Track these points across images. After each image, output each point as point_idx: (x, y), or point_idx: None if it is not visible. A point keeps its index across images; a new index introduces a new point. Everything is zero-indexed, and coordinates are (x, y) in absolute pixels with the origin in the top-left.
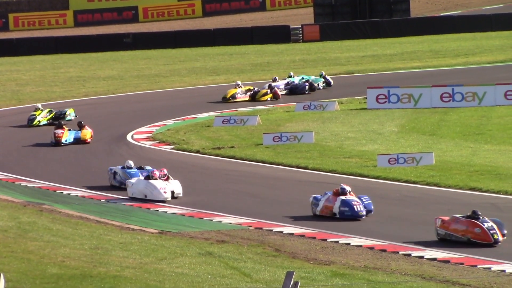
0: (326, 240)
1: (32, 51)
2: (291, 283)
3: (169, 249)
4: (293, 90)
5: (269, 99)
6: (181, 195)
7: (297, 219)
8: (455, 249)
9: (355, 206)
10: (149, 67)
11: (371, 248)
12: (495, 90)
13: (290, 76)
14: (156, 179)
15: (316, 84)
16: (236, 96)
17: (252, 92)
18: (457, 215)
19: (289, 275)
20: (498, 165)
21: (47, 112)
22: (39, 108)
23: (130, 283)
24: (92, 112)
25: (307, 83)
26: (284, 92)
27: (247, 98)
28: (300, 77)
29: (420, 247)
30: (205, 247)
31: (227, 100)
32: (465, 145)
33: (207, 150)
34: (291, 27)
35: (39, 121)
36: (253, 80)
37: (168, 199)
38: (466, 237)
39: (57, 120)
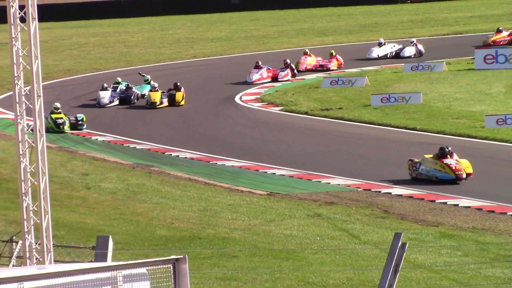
0: (434, 201)
1: (140, 12)
2: (399, 244)
3: (278, 210)
4: (124, 99)
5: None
6: None
7: (405, 181)
8: None
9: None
10: (257, 28)
11: (479, 209)
12: None
13: (117, 82)
14: None
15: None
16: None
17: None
18: None
19: (397, 236)
20: None
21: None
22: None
23: (239, 244)
24: (200, 73)
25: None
26: (117, 102)
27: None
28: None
29: None
30: (313, 208)
31: (154, 106)
32: None
33: (315, 112)
34: None
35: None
36: (361, 41)
37: None
38: None
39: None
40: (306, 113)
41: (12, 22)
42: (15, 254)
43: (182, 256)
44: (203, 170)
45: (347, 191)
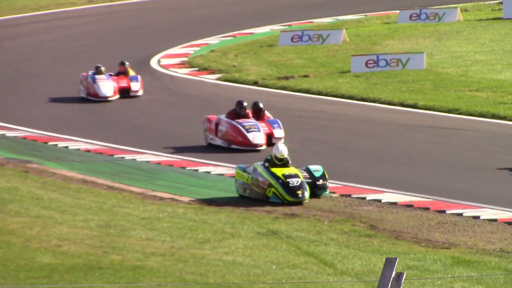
0: (444, 212)
1: None
2: (393, 275)
3: (215, 227)
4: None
5: None
6: None
7: (401, 182)
8: None
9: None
10: None
11: (511, 223)
12: None
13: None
14: None
15: None
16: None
17: None
18: None
19: (389, 263)
20: None
21: None
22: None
23: (157, 276)
24: (100, 25)
25: None
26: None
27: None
28: None
29: None
30: (267, 223)
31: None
32: None
33: (269, 81)
34: None
35: None
36: None
37: None
38: None
39: None
40: (255, 83)
41: None
42: None
43: None
44: (104, 167)
45: (316, 197)
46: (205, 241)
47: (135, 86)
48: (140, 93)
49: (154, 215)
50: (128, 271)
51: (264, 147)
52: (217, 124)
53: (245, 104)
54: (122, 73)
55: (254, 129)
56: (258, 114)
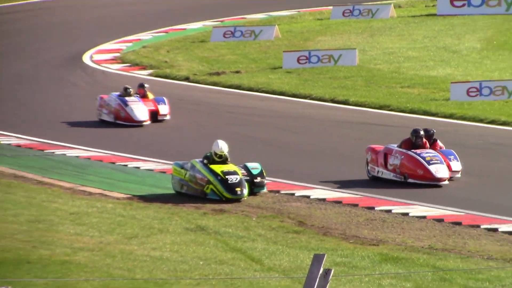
0: (373, 208)
1: None
2: (321, 272)
3: (143, 222)
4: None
5: None
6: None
7: (330, 178)
8: None
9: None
10: None
11: (439, 219)
12: None
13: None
14: None
15: None
16: None
17: None
18: None
19: (317, 259)
20: None
21: None
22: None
23: (84, 271)
24: (32, 22)
25: None
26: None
27: None
28: None
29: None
30: (195, 219)
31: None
32: None
33: (200, 77)
34: None
35: None
36: None
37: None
38: None
39: None
40: (187, 78)
41: None
42: None
43: None
44: (34, 162)
45: (253, 194)
46: (133, 236)
47: (164, 109)
48: (168, 117)
49: (83, 210)
50: (56, 266)
51: (446, 182)
52: (386, 155)
53: (421, 132)
54: (141, 96)
55: (436, 161)
56: (430, 143)
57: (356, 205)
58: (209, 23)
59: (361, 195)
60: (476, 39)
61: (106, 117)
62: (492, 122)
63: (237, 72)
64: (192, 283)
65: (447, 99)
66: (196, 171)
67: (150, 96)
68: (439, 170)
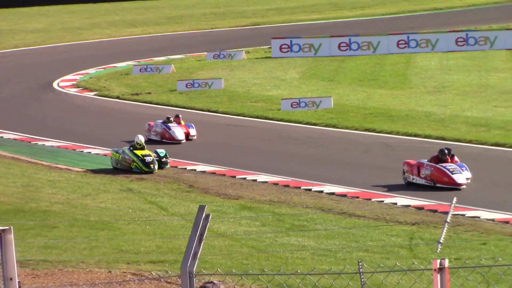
0: (235, 177)
1: None
2: (203, 216)
3: (93, 186)
4: None
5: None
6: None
7: (207, 159)
8: (351, 184)
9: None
10: (73, 20)
11: (276, 184)
12: (388, 40)
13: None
14: None
15: None
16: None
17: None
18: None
19: (201, 208)
20: (390, 107)
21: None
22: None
23: (58, 216)
24: (22, 61)
25: None
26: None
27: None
28: None
29: (320, 183)
30: (126, 184)
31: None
32: (361, 90)
33: (126, 96)
34: None
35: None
36: (168, 31)
37: None
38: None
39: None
40: (118, 97)
41: None
42: None
43: (7, 227)
44: (25, 150)
45: (160, 169)
46: (88, 194)
47: (193, 131)
48: (195, 137)
49: (56, 179)
50: (41, 213)
51: (464, 186)
52: (418, 167)
53: (446, 151)
54: (177, 123)
55: (457, 172)
56: (450, 158)
57: (224, 175)
58: (131, 62)
59: (227, 168)
60: (296, 72)
61: (154, 137)
62: (307, 123)
63: (149, 93)
64: (125, 223)
65: (279, 109)
66: (125, 154)
67: (183, 122)
68: (460, 178)
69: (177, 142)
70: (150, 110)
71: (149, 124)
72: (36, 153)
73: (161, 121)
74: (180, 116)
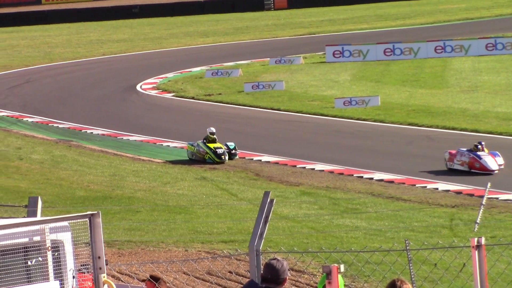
0: (295, 166)
1: (60, 19)
2: (268, 200)
3: (172, 175)
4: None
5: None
6: None
7: (271, 150)
8: (397, 172)
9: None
10: (153, 31)
11: (331, 172)
12: (426, 46)
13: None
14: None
15: None
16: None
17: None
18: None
19: (266, 194)
20: (430, 105)
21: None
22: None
23: (141, 202)
24: (109, 67)
25: None
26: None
27: None
28: None
29: (370, 171)
30: (200, 173)
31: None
32: (404, 90)
33: (200, 97)
34: None
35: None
36: (235, 40)
37: None
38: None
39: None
40: (192, 98)
41: None
42: None
43: (96, 212)
44: (112, 144)
45: (230, 160)
46: (167, 183)
47: (500, 160)
48: (502, 167)
49: (139, 169)
50: (126, 199)
51: (496, 172)
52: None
53: (481, 142)
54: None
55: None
56: (483, 149)
57: (286, 165)
58: (204, 67)
59: (289, 159)
60: (347, 75)
61: (458, 167)
62: (357, 119)
63: (220, 94)
64: (200, 207)
65: (333, 107)
66: (199, 147)
67: (486, 150)
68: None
69: (490, 172)
70: (221, 108)
71: (450, 153)
72: (121, 146)
73: (465, 149)
74: (483, 143)
